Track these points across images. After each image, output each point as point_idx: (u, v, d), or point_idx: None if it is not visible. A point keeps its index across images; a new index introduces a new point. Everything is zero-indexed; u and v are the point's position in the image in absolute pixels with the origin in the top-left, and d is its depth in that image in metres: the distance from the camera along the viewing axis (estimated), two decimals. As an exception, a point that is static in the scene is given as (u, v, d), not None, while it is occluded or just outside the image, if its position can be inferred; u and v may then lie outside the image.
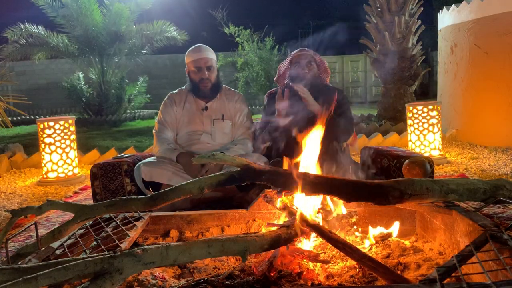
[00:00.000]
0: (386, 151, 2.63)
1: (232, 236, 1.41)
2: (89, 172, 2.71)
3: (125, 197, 1.65)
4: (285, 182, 1.67)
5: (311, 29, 20.54)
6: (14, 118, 10.95)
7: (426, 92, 13.60)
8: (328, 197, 1.83)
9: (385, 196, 1.57)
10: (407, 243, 1.91)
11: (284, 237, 1.55)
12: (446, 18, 6.12)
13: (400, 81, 7.26)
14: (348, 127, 2.73)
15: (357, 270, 1.59)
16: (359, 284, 1.53)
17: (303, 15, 21.06)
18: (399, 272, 1.60)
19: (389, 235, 1.92)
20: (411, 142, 4.68)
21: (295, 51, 2.85)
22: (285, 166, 1.79)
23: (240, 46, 13.26)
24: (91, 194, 2.81)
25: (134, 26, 10.84)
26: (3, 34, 9.99)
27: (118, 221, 1.93)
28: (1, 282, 1.14)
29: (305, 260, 1.69)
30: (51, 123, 4.30)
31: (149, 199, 1.62)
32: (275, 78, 2.98)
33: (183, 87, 2.97)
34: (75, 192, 3.91)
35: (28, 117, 10.73)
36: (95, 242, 1.70)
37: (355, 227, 1.93)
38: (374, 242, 1.89)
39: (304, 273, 1.60)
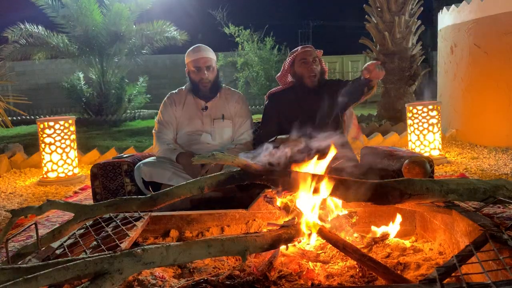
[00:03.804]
0: (386, 151, 2.63)
1: (232, 236, 1.41)
2: (89, 172, 2.71)
3: (125, 197, 1.65)
4: (285, 182, 1.67)
5: (311, 29, 20.56)
6: (14, 118, 10.94)
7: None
8: (328, 197, 1.83)
9: (385, 196, 1.57)
10: (407, 243, 1.91)
11: (284, 237, 1.55)
12: (446, 18, 6.12)
13: (400, 81, 7.26)
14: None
15: (357, 270, 1.59)
16: (359, 284, 1.53)
17: (303, 15, 21.07)
18: (399, 272, 1.60)
19: (386, 235, 1.92)
20: (411, 142, 4.68)
21: (297, 49, 2.82)
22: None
23: (240, 46, 13.26)
24: (91, 194, 2.81)
25: (134, 26, 10.85)
26: (3, 34, 9.99)
27: (118, 221, 1.93)
28: (1, 282, 1.14)
29: (305, 260, 1.69)
30: (51, 123, 4.30)
31: (149, 199, 1.62)
32: (278, 75, 2.94)
33: (183, 87, 2.97)
34: (75, 192, 3.91)
35: (28, 117, 10.73)
36: (95, 242, 1.70)
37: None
38: (372, 242, 1.89)
39: (304, 273, 1.60)
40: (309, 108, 2.72)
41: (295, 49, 2.84)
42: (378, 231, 1.90)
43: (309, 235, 1.72)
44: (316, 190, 1.63)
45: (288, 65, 2.84)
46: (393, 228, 1.91)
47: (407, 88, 7.29)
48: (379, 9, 7.32)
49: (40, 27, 10.36)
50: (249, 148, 2.85)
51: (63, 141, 4.34)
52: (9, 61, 10.46)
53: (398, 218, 1.90)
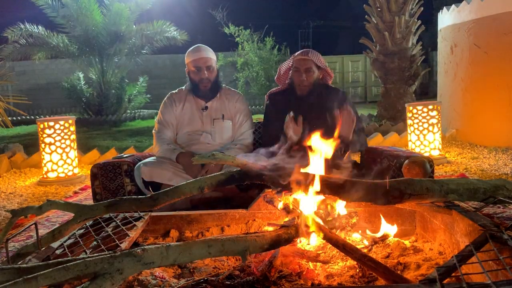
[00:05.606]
0: (386, 151, 2.63)
1: (232, 236, 1.41)
2: (89, 172, 2.71)
3: (125, 197, 1.65)
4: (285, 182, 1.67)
5: (311, 29, 20.56)
6: (14, 118, 10.95)
7: (426, 92, 13.61)
8: (328, 197, 1.83)
9: (385, 196, 1.57)
10: (407, 243, 1.91)
11: (284, 237, 1.55)
12: (446, 18, 6.12)
13: (400, 81, 7.27)
14: (362, 139, 2.70)
15: (357, 270, 1.59)
16: (359, 284, 1.53)
17: (303, 15, 21.07)
18: (399, 272, 1.60)
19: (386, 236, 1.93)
20: (411, 142, 4.68)
21: (297, 53, 2.79)
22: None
23: (240, 46, 13.27)
24: (91, 194, 2.81)
25: (134, 26, 10.85)
26: (3, 34, 9.99)
27: (118, 221, 1.93)
28: (1, 282, 1.14)
29: (305, 260, 1.69)
30: (51, 123, 4.30)
31: (149, 199, 1.62)
32: (275, 78, 2.95)
33: (183, 87, 2.97)
34: (75, 192, 3.91)
35: (28, 117, 10.73)
36: (95, 242, 1.70)
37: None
38: (372, 242, 1.89)
39: (304, 273, 1.61)
40: (301, 115, 2.69)
41: (296, 53, 2.81)
42: (377, 235, 1.91)
43: (309, 235, 1.72)
44: (316, 190, 1.63)
45: (286, 69, 2.84)
46: (383, 229, 1.92)
47: (407, 88, 7.29)
48: (379, 9, 7.32)
49: (40, 27, 10.36)
50: (249, 148, 2.85)
51: (63, 141, 4.33)
52: (9, 61, 10.45)
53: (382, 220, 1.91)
